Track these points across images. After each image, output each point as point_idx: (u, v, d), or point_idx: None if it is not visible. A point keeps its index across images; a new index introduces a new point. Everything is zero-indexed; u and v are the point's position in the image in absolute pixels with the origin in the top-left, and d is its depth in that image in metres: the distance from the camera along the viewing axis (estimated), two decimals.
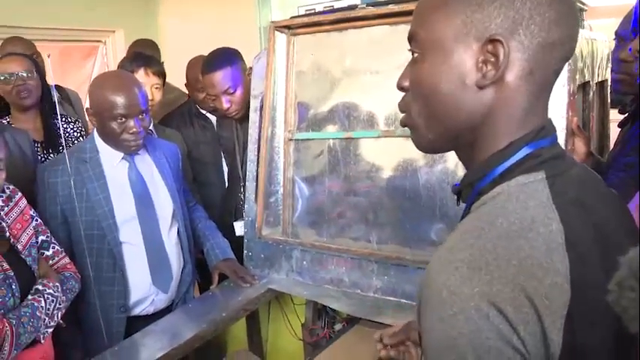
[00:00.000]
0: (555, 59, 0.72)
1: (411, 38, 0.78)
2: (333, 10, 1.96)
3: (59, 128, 2.29)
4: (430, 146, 0.81)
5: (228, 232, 2.36)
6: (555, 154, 0.73)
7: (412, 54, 0.78)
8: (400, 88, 0.80)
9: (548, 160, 0.71)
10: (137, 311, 1.98)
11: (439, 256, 0.67)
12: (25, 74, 2.33)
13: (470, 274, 0.62)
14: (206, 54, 2.47)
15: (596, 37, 2.00)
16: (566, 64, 1.54)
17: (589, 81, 1.91)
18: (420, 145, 0.81)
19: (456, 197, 0.82)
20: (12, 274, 1.52)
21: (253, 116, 2.19)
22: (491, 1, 0.69)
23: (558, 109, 1.60)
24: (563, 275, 0.63)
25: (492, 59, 0.70)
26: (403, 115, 0.81)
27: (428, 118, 0.77)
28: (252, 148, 2.19)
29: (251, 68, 2.27)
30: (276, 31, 2.06)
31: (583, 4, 1.98)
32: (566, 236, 0.65)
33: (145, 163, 2.01)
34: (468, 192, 0.77)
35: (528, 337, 0.60)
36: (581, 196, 0.71)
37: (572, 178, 0.73)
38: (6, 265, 1.52)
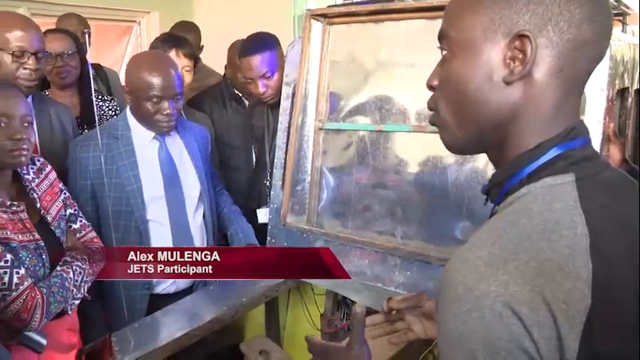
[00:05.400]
0: (586, 58, 0.71)
1: (441, 37, 0.78)
2: (371, 1, 1.95)
3: (94, 105, 2.31)
4: (458, 145, 0.80)
5: (251, 218, 2.36)
6: (587, 156, 0.71)
7: (442, 52, 0.78)
8: (429, 87, 0.81)
9: (579, 161, 0.70)
10: (159, 290, 2.00)
11: (459, 253, 0.67)
12: (66, 54, 2.32)
13: (487, 272, 0.62)
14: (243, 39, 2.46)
15: (638, 43, 1.95)
16: (607, 68, 1.54)
17: (628, 87, 1.87)
18: (448, 144, 0.81)
19: (485, 197, 0.81)
20: (42, 244, 1.54)
21: (284, 103, 2.19)
22: None
23: (596, 114, 1.58)
24: (585, 280, 0.61)
25: (520, 55, 0.70)
26: (432, 113, 0.82)
27: (457, 116, 0.77)
28: (281, 135, 2.19)
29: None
30: (312, 20, 2.05)
31: (627, 7, 1.94)
32: (591, 241, 0.63)
33: (176, 144, 2.03)
34: (496, 192, 0.76)
35: (542, 341, 0.60)
36: (612, 200, 0.69)
37: (603, 181, 0.71)
38: (37, 235, 1.54)
